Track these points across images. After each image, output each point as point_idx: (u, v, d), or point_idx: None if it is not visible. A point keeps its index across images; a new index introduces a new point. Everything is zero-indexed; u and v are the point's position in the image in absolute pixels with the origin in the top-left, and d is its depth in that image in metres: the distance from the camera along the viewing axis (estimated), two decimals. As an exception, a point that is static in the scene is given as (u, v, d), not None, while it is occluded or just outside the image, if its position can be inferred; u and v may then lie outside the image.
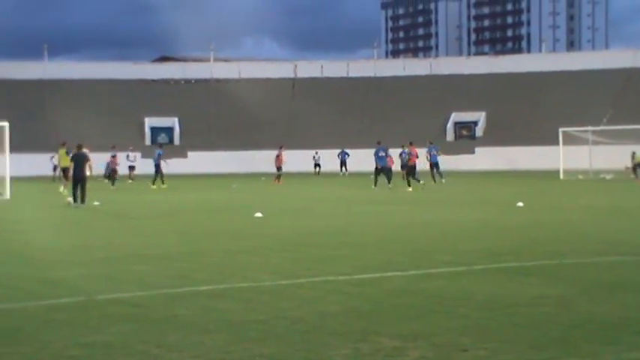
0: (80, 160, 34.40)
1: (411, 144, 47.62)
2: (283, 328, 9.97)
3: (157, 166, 52.65)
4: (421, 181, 44.31)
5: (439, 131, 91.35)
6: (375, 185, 45.33)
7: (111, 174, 56.71)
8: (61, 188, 42.75)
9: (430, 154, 51.82)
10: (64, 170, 43.84)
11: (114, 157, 57.85)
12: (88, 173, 34.34)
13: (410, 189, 42.64)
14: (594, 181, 53.35)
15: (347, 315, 10.66)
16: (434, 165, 51.57)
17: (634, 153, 56.11)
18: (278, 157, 55.51)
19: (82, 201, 33.57)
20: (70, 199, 34.31)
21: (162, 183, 50.96)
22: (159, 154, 53.45)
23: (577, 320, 10.16)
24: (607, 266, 14.90)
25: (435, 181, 49.29)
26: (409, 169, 45.34)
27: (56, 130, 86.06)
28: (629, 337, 9.37)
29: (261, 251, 17.47)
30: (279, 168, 55.37)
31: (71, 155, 36.03)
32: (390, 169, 45.65)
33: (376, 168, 46.59)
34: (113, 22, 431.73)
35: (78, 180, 33.92)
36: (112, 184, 52.44)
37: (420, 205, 32.35)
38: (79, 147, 35.14)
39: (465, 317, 10.42)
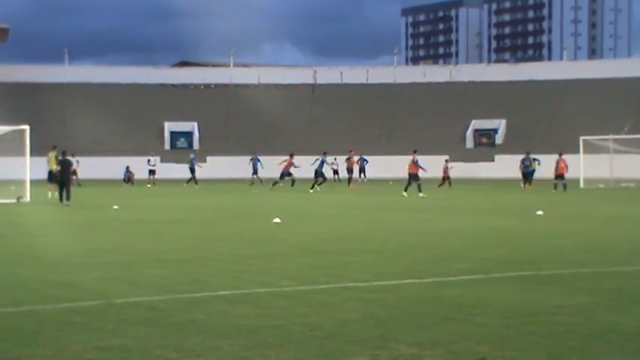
0: (67, 165, 39.21)
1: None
2: (301, 334, 9.95)
3: (318, 172, 54.93)
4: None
5: (459, 138, 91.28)
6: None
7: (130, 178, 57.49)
8: (50, 194, 42.58)
9: (523, 165, 56.62)
10: (52, 173, 44.11)
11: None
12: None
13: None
14: (615, 190, 53.12)
15: (365, 322, 10.63)
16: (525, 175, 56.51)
17: None
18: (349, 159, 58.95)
19: (68, 198, 37.80)
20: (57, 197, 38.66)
21: (314, 186, 53.03)
22: (322, 161, 55.98)
23: (597, 330, 10.10)
24: (627, 276, 14.82)
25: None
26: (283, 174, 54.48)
27: (76, 133, 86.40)
28: (649, 347, 9.32)
29: (279, 257, 17.47)
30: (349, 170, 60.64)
31: (59, 160, 39.75)
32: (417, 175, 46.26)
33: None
34: (134, 26, 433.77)
35: (64, 182, 38.36)
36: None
37: (438, 213, 32.29)
38: (64, 153, 39.88)
39: (483, 325, 10.38)
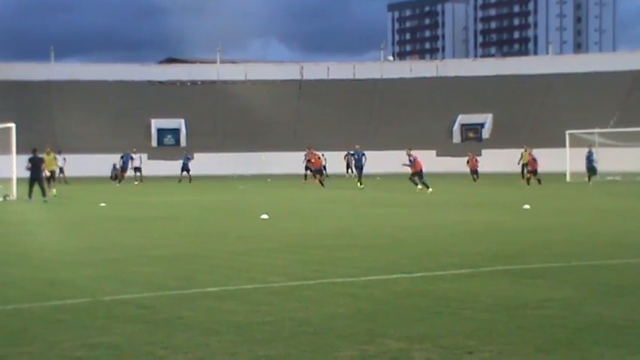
0: (38, 163, 39.29)
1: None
2: (290, 329, 9.97)
3: (359, 167, 53.34)
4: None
5: (446, 133, 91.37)
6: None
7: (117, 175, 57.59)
8: (54, 191, 42.66)
9: (588, 159, 56.10)
10: (52, 173, 44.48)
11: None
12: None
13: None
14: (601, 184, 53.25)
15: (353, 317, 10.65)
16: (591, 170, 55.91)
17: None
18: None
19: (44, 194, 38.51)
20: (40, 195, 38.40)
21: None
22: (360, 154, 54.41)
23: (584, 323, 10.14)
24: (614, 269, 14.87)
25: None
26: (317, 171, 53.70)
27: (63, 131, 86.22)
28: (636, 339, 9.36)
29: (267, 253, 17.47)
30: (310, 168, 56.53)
31: (29, 158, 39.68)
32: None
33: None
34: (120, 24, 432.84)
35: (36, 179, 38.82)
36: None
37: (426, 208, 32.32)
38: (35, 151, 40.01)
39: (470, 320, 10.41)
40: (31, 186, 38.90)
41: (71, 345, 9.28)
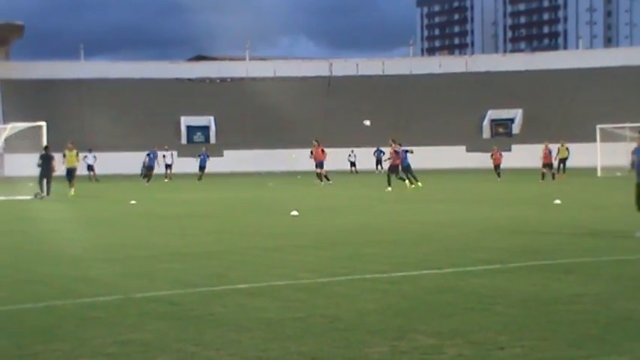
0: (48, 160, 39.83)
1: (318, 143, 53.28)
2: (321, 326, 9.96)
3: (407, 166, 50.41)
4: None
5: (475, 129, 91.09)
6: None
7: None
8: (72, 190, 42.26)
9: None
10: (71, 171, 43.83)
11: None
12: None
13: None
14: (633, 178, 52.88)
15: (384, 313, 10.63)
16: None
17: None
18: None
19: (48, 193, 39.22)
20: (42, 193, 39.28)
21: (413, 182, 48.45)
22: (406, 152, 52.13)
23: (615, 318, 10.08)
24: (646, 264, 14.80)
25: None
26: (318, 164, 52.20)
27: (93, 129, 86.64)
28: (668, 335, 9.29)
29: (297, 249, 17.48)
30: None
31: (40, 155, 40.44)
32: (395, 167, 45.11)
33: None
34: (149, 22, 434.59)
35: (46, 176, 39.50)
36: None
37: (454, 203, 32.24)
38: (47, 148, 40.48)
39: (502, 315, 10.37)
40: (40, 182, 39.61)
41: (103, 342, 9.32)
